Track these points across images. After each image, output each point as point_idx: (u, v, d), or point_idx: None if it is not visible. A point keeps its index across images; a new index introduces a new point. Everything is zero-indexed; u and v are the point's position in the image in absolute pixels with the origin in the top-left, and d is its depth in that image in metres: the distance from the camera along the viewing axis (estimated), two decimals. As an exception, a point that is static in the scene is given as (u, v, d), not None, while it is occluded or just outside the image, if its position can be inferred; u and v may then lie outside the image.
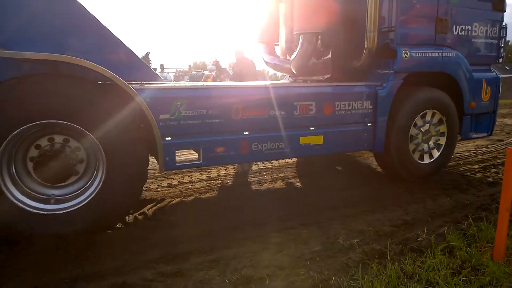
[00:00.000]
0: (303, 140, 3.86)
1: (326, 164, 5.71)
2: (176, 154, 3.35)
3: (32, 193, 3.02)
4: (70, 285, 2.45)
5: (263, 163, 5.58)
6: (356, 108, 4.09)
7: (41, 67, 3.08)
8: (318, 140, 3.93)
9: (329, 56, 4.64)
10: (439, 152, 4.62)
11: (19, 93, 2.79)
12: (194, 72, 50.30)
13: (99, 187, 3.07)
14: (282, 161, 5.66)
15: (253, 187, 4.60)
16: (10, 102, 2.77)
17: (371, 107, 4.15)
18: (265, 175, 5.09)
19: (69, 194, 3.13)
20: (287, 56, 5.16)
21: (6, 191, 2.88)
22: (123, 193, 3.12)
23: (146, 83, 3.33)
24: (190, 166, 3.46)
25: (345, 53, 4.57)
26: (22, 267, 2.65)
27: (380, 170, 4.99)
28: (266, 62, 5.47)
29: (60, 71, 3.10)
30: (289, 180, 4.83)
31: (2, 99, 2.75)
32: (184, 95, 3.31)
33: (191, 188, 4.55)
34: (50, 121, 2.88)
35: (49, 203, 3.03)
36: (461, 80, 4.59)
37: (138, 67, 3.61)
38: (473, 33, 4.72)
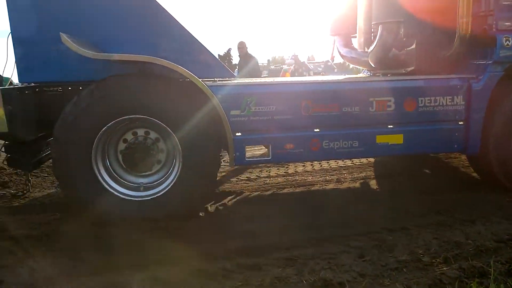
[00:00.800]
0: (380, 139, 3.58)
1: (411, 164, 5.22)
2: (246, 149, 3.38)
3: (125, 182, 3.36)
4: (159, 266, 2.62)
5: (342, 160, 5.31)
6: (444, 104, 3.65)
7: (129, 67, 3.34)
8: (397, 139, 3.61)
9: (413, 46, 4.22)
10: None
11: (111, 91, 3.11)
12: (273, 67, 50.76)
13: (177, 174, 3.29)
14: (363, 160, 5.34)
15: (332, 185, 4.42)
16: (103, 99, 3.09)
17: (463, 103, 3.67)
18: (344, 173, 4.85)
19: (155, 182, 3.42)
20: (365, 48, 4.84)
21: (103, 182, 3.24)
22: (200, 178, 3.27)
23: (218, 80, 3.41)
24: (259, 162, 3.49)
25: (432, 42, 4.11)
26: (112, 248, 2.91)
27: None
28: (343, 56, 5.21)
29: (145, 71, 3.34)
30: (371, 181, 4.53)
31: (97, 96, 3.08)
32: (253, 91, 3.32)
33: (269, 183, 4.56)
34: (136, 116, 3.16)
35: (139, 191, 3.35)
36: None
37: (214, 65, 3.73)
38: None
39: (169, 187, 3.30)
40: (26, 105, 3.28)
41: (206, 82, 3.27)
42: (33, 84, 3.46)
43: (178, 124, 3.16)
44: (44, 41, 3.25)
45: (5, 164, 4.14)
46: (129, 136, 3.34)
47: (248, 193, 4.17)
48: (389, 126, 3.59)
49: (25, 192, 4.31)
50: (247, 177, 4.81)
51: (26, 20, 3.26)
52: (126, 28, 3.40)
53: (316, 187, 4.38)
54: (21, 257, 2.79)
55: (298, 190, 4.31)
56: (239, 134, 3.33)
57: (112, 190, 3.26)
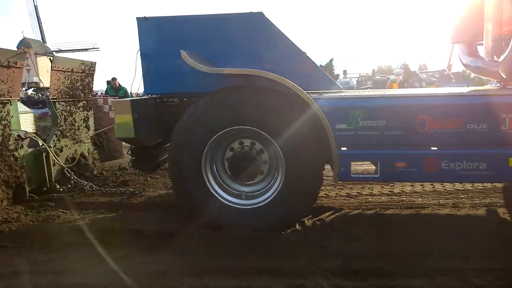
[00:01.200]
0: (515, 161, 3.05)
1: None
2: (352, 165, 3.21)
3: (229, 188, 3.51)
4: (258, 275, 2.66)
5: (460, 183, 4.70)
6: None
7: (238, 80, 3.47)
8: (537, 163, 3.03)
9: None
10: None
11: (222, 102, 3.30)
12: (378, 77, 48.32)
13: (280, 186, 3.31)
14: (487, 184, 4.65)
15: (447, 210, 3.92)
16: (215, 110, 3.29)
17: None
18: (463, 198, 4.27)
19: (257, 192, 3.49)
20: (494, 57, 4.21)
21: (209, 186, 3.42)
22: (301, 193, 3.25)
23: (324, 92, 3.33)
24: (366, 179, 3.30)
25: None
26: (216, 251, 3.06)
27: None
28: (466, 65, 4.61)
29: (253, 83, 3.44)
30: (497, 209, 3.90)
31: (211, 106, 3.30)
32: (361, 105, 3.15)
33: (371, 201, 4.27)
34: (243, 127, 3.28)
35: (241, 198, 3.47)
36: None
37: (320, 76, 3.72)
38: None
39: (270, 199, 3.32)
40: (149, 114, 3.66)
41: (312, 95, 3.21)
42: (154, 96, 3.85)
43: (282, 136, 3.17)
44: (165, 58, 3.59)
45: (129, 166, 4.71)
46: (235, 145, 3.46)
47: (348, 210, 3.96)
48: (527, 148, 3.04)
49: (141, 191, 4.80)
50: (347, 193, 4.58)
51: (153, 40, 3.66)
52: (234, 45, 3.60)
53: (427, 211, 3.93)
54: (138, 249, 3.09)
55: (405, 212, 3.92)
56: (345, 148, 3.18)
57: (216, 195, 3.42)
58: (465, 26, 4.61)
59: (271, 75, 3.16)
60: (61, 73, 5.12)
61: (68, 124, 5.21)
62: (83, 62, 5.57)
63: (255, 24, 3.62)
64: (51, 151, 4.58)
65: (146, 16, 3.65)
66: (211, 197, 3.41)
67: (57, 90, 5.07)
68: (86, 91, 5.63)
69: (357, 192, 4.59)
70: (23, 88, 36.17)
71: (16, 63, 4.30)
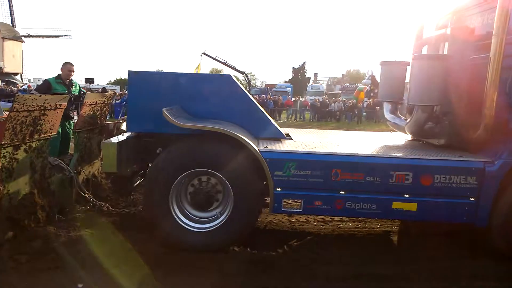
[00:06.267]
0: (396, 205, 4.29)
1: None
2: (283, 202, 4.35)
3: (193, 216, 4.48)
4: None
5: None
6: (458, 182, 4.24)
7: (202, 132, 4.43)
8: (411, 207, 4.29)
9: (446, 123, 4.83)
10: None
11: (186, 150, 4.31)
12: (347, 84, 50.38)
13: (230, 212, 4.34)
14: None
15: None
16: (179, 155, 4.30)
17: (476, 182, 4.22)
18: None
19: (213, 217, 4.51)
20: (407, 117, 5.47)
21: (175, 215, 4.39)
22: (246, 221, 4.34)
23: (271, 141, 4.45)
24: (292, 212, 4.41)
25: (462, 124, 4.66)
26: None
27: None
28: (387, 120, 5.90)
29: (212, 135, 4.44)
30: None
31: (179, 151, 4.31)
32: (294, 158, 4.27)
33: (342, 227, 5.41)
34: (205, 169, 4.32)
35: (203, 223, 4.46)
36: None
37: (272, 128, 4.88)
38: None
39: (223, 221, 4.39)
40: (129, 151, 4.62)
41: (260, 147, 4.32)
42: (135, 133, 4.84)
43: (234, 178, 4.25)
44: (149, 103, 4.52)
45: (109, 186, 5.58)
46: (195, 182, 4.50)
47: (324, 235, 5.07)
48: (405, 195, 4.28)
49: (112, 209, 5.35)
50: (322, 218, 5.64)
51: (140, 89, 4.64)
52: (207, 98, 4.67)
53: (383, 235, 5.20)
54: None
55: (368, 237, 5.12)
56: (279, 189, 4.30)
57: (180, 222, 4.40)
58: (389, 89, 5.83)
59: (225, 131, 4.15)
60: (87, 106, 5.47)
61: (87, 149, 5.58)
62: (105, 95, 6.00)
63: (224, 83, 4.72)
64: (75, 177, 5.05)
65: (136, 70, 4.64)
66: (176, 224, 4.36)
67: (82, 121, 5.43)
68: (103, 118, 5.98)
69: (330, 218, 5.66)
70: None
71: (61, 105, 4.75)
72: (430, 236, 4.94)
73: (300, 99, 34.73)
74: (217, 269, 3.93)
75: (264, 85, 58.16)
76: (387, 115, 5.89)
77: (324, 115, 29.69)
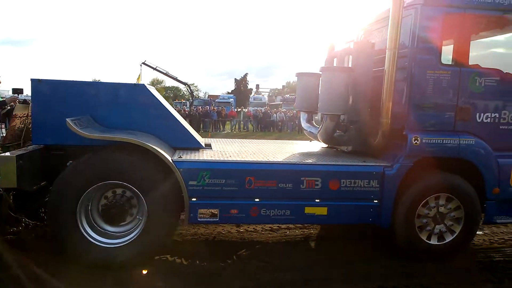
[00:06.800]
0: (308, 210, 4.50)
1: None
2: (199, 212, 4.34)
3: (105, 232, 4.28)
4: None
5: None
6: (362, 185, 4.56)
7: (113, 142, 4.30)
8: (322, 211, 4.53)
9: (352, 131, 5.20)
10: (453, 236, 4.74)
11: (100, 159, 4.13)
12: (288, 95, 52.04)
13: (144, 225, 4.22)
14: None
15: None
16: (90, 167, 4.10)
17: (378, 185, 4.58)
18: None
19: (129, 230, 4.35)
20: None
21: (83, 231, 4.16)
22: (161, 232, 4.24)
23: (184, 156, 4.41)
24: (209, 222, 4.41)
25: (365, 131, 5.06)
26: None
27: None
28: (303, 129, 6.20)
29: (124, 146, 4.32)
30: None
31: (90, 163, 4.10)
32: (208, 167, 4.29)
33: (289, 235, 5.51)
34: (116, 182, 4.15)
35: (118, 238, 4.27)
36: (481, 166, 4.69)
37: (188, 137, 4.84)
38: (501, 120, 4.77)
39: (137, 235, 4.24)
40: (33, 164, 4.30)
41: (174, 157, 4.27)
42: (42, 146, 4.52)
43: (146, 190, 4.14)
44: (56, 114, 4.26)
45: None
46: (109, 194, 4.32)
47: (273, 243, 5.17)
48: (316, 200, 4.51)
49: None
50: (270, 227, 5.73)
51: (45, 99, 4.36)
52: (120, 108, 4.53)
53: (328, 241, 5.43)
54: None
55: (317, 241, 5.33)
56: (194, 199, 4.28)
57: (90, 238, 4.18)
58: (304, 99, 6.14)
59: (137, 141, 4.05)
60: (18, 118, 4.98)
61: None
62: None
63: (138, 93, 4.61)
64: (5, 195, 4.44)
65: (40, 78, 4.35)
66: (85, 240, 4.14)
67: (12, 135, 4.94)
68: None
69: (278, 226, 5.75)
70: None
71: None
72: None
73: (243, 110, 35.18)
74: (163, 284, 3.86)
75: (207, 96, 58.08)
76: (303, 124, 6.19)
77: (267, 125, 30.44)
